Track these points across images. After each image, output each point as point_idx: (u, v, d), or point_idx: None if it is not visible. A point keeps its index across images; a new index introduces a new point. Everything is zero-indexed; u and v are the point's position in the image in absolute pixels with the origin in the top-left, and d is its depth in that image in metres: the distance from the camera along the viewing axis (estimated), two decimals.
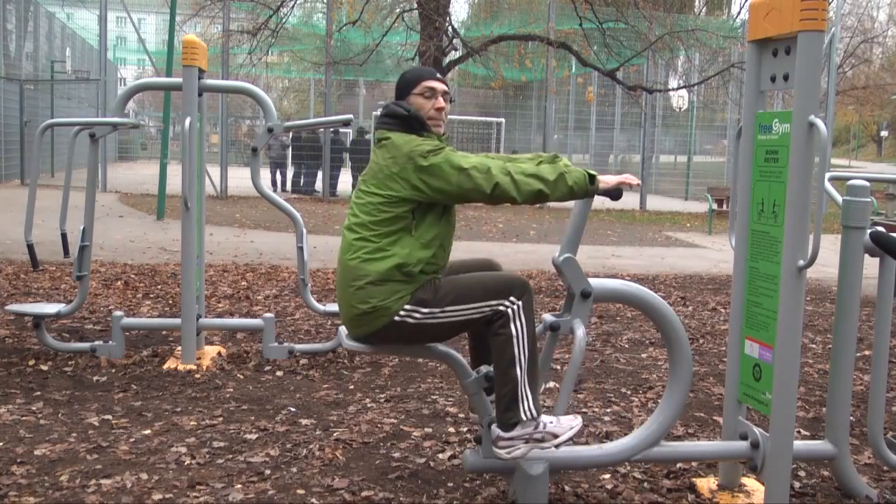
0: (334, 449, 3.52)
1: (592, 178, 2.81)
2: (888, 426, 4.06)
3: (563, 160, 2.88)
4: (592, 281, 2.92)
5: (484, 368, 2.95)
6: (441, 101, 2.94)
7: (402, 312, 2.80)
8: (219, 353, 5.08)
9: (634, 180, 2.89)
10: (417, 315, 2.81)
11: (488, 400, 2.97)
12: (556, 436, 2.83)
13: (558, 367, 4.90)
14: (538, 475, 2.89)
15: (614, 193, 2.85)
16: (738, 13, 23.10)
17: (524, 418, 2.80)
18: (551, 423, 2.85)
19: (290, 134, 18.37)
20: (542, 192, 2.77)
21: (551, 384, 4.53)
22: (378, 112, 3.03)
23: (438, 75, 3.02)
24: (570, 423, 2.87)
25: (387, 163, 2.82)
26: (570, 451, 3.05)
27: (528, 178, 2.75)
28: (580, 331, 2.86)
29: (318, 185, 19.34)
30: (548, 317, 2.94)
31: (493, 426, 2.86)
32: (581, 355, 2.84)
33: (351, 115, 5.66)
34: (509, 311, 2.81)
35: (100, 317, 5.96)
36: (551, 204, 18.16)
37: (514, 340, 2.80)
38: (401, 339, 2.88)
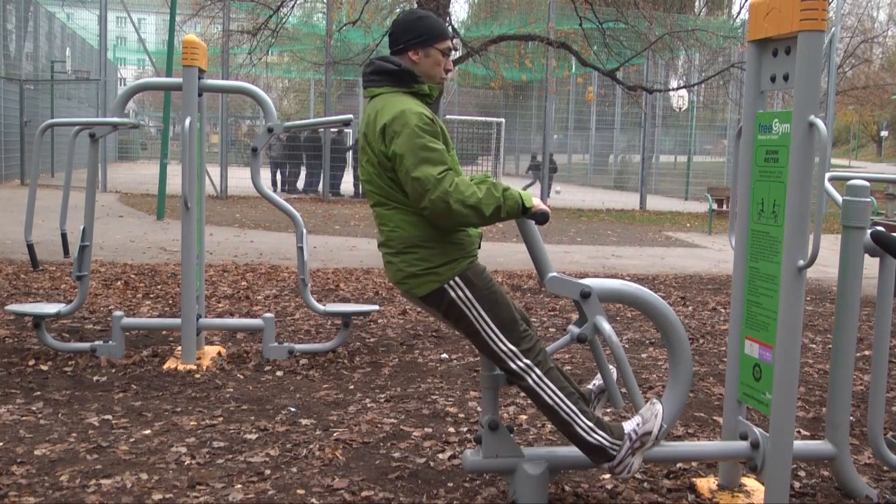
0: (334, 449, 3.52)
1: (526, 207, 2.74)
2: (888, 426, 4.06)
3: (501, 185, 2.74)
4: (592, 281, 2.93)
5: None
6: (450, 63, 2.91)
7: (451, 283, 2.77)
8: (219, 353, 5.08)
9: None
10: (461, 294, 2.78)
11: (498, 399, 2.99)
12: (649, 433, 2.88)
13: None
14: (538, 475, 2.89)
15: (539, 217, 2.80)
16: (738, 13, 23.11)
17: (614, 454, 2.86)
18: (639, 425, 2.89)
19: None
20: (474, 224, 2.72)
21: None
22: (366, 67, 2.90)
23: None
24: (652, 413, 2.91)
25: (372, 136, 2.75)
26: (569, 450, 3.05)
27: (466, 209, 2.64)
28: (605, 326, 2.86)
29: (312, 185, 19.41)
30: (572, 329, 2.95)
31: (602, 463, 2.89)
32: (620, 348, 2.86)
33: (351, 116, 5.65)
34: (529, 379, 2.81)
35: (100, 317, 5.96)
36: (551, 204, 18.15)
37: (556, 407, 2.82)
38: (442, 310, 2.83)
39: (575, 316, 4.62)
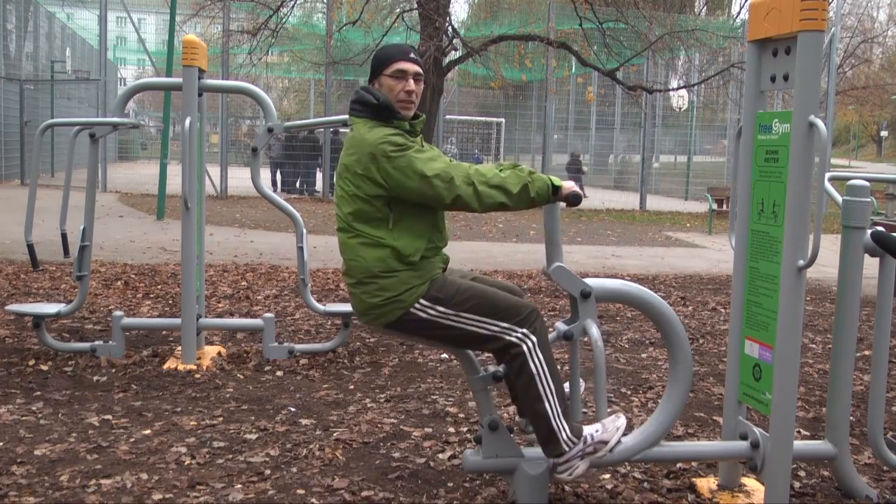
0: (334, 449, 3.52)
1: (556, 187, 2.79)
2: (888, 426, 4.06)
3: (527, 168, 2.82)
4: (592, 281, 2.92)
5: (492, 368, 2.95)
6: (411, 84, 2.87)
7: (416, 306, 2.79)
8: (219, 353, 5.08)
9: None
10: (432, 312, 2.80)
11: (492, 399, 2.98)
12: (606, 442, 2.87)
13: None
14: (538, 475, 2.89)
15: (572, 199, 2.81)
16: (738, 13, 23.11)
17: (567, 449, 2.84)
18: (597, 431, 2.88)
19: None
20: (504, 204, 2.75)
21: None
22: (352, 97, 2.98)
23: (412, 55, 2.91)
24: (615, 425, 2.90)
25: (350, 161, 2.80)
26: None
27: (492, 189, 2.71)
28: (594, 330, 2.85)
29: (305, 185, 19.44)
30: (560, 325, 2.95)
31: (548, 458, 2.88)
32: (602, 354, 2.85)
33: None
34: (524, 346, 2.80)
35: (100, 317, 5.96)
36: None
37: (537, 378, 2.81)
38: (413, 332, 2.87)
39: None
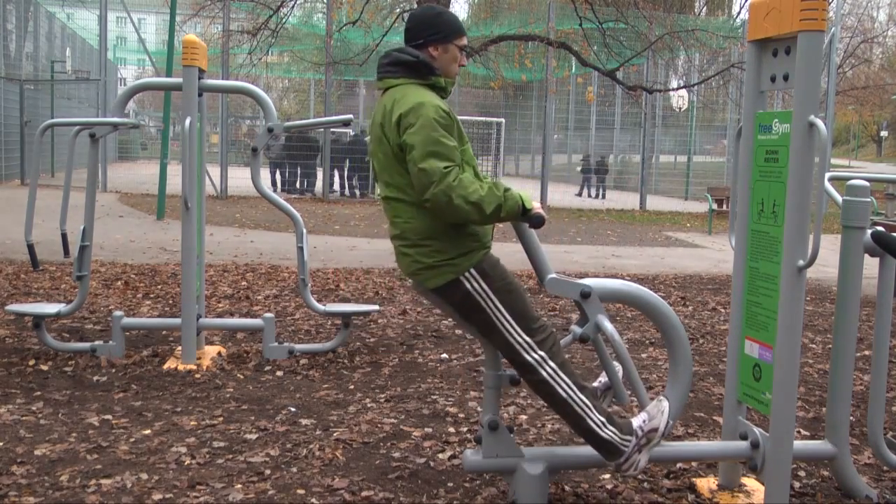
0: (334, 449, 3.52)
1: (526, 209, 2.75)
2: (888, 426, 4.06)
3: (502, 185, 2.77)
4: (592, 281, 2.92)
5: (510, 370, 2.95)
6: (464, 58, 2.92)
7: (467, 274, 2.78)
8: (219, 353, 5.07)
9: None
10: (476, 286, 2.79)
11: (499, 399, 2.99)
12: (656, 429, 2.88)
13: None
14: (538, 475, 2.89)
15: (535, 220, 2.79)
16: (738, 13, 23.11)
17: (625, 449, 2.86)
18: (644, 421, 2.89)
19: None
20: (473, 221, 2.73)
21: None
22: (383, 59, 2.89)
23: None
24: (659, 410, 2.91)
25: (388, 126, 2.75)
26: (569, 450, 3.04)
27: (467, 205, 2.65)
28: (607, 325, 2.85)
29: (303, 185, 19.43)
30: (574, 329, 2.95)
31: (607, 461, 2.89)
32: (623, 346, 2.86)
33: (351, 116, 5.65)
34: (544, 372, 2.81)
35: (100, 317, 5.96)
36: (551, 205, 18.15)
37: (571, 401, 2.81)
38: (454, 301, 2.83)
39: (575, 316, 4.62)
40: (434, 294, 2.86)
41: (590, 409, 2.83)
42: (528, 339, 2.81)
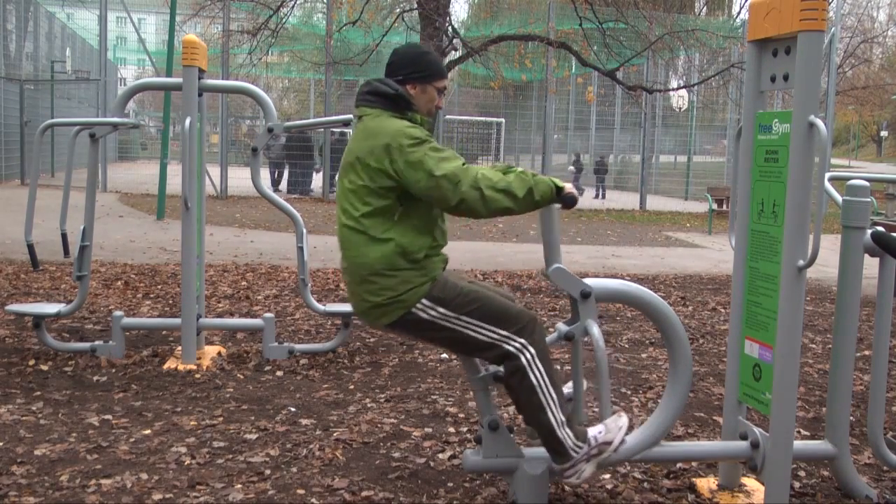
0: (334, 449, 3.52)
1: (559, 189, 2.79)
2: (888, 426, 4.06)
3: (529, 171, 2.82)
4: (592, 281, 2.92)
5: (492, 368, 2.95)
6: (441, 101, 2.97)
7: (418, 306, 2.79)
8: (219, 353, 5.08)
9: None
10: (433, 313, 2.80)
11: (492, 399, 2.98)
12: (609, 443, 2.87)
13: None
14: (538, 475, 2.89)
15: (569, 200, 2.82)
16: (738, 13, 23.09)
17: (574, 455, 2.85)
18: (600, 433, 2.88)
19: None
20: (509, 208, 2.73)
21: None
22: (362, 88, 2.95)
23: None
24: (617, 425, 2.90)
25: (364, 152, 2.77)
26: None
27: (498, 193, 2.69)
28: (595, 330, 2.85)
29: (302, 185, 19.45)
30: (561, 326, 2.94)
31: (552, 463, 2.89)
32: (604, 355, 2.85)
33: (351, 116, 5.64)
34: (522, 358, 2.79)
35: (100, 317, 5.96)
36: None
37: (539, 390, 2.81)
38: (414, 332, 2.89)
39: None
40: (390, 329, 2.88)
41: (555, 403, 2.82)
42: (503, 332, 2.81)
